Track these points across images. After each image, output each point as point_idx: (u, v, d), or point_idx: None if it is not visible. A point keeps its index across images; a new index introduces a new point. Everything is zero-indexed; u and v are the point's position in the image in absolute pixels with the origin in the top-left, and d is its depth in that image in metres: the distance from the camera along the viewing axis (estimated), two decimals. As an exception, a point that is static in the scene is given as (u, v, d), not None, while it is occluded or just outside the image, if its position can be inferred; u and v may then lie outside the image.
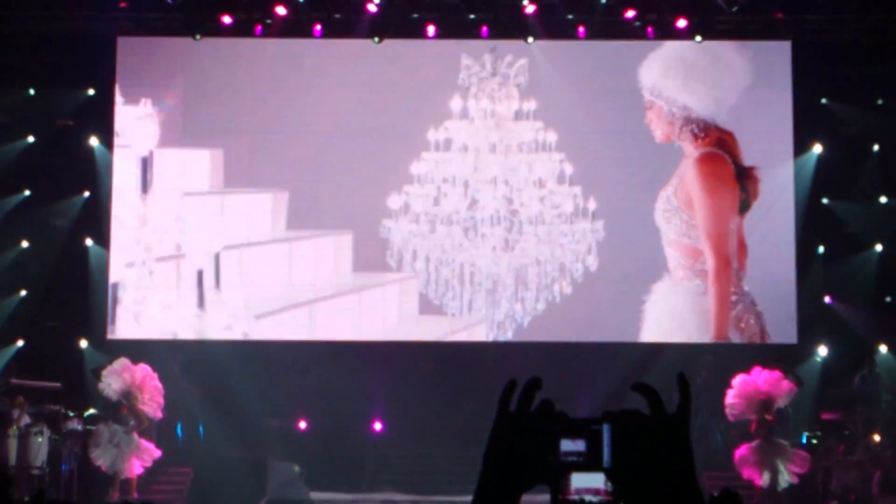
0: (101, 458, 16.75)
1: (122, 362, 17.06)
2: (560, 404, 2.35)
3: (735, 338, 18.26)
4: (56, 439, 17.29)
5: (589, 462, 2.31)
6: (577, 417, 2.34)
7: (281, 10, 17.70)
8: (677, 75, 18.37)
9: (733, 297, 18.29)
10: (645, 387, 2.33)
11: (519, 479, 2.33)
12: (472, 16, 18.03)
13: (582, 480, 2.35)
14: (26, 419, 17.07)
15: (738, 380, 16.71)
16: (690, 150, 18.45)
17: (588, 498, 2.35)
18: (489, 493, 2.33)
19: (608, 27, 18.35)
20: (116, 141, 18.74)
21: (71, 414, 17.79)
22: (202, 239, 18.60)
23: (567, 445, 2.32)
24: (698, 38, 18.01)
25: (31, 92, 19.24)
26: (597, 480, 2.34)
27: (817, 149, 19.01)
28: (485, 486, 2.34)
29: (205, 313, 18.56)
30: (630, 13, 17.80)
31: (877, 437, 17.50)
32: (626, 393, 2.46)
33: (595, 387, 17.46)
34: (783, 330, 18.47)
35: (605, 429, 2.31)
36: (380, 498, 18.05)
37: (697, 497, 2.27)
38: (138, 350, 17.75)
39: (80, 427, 17.59)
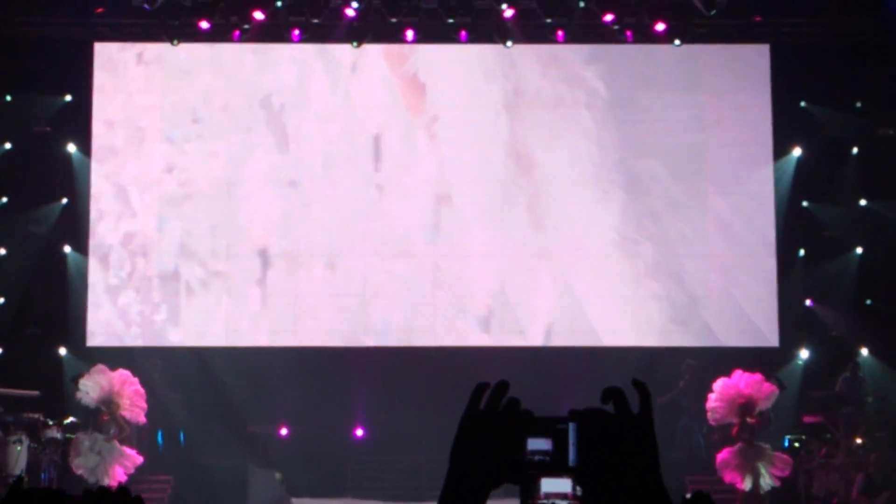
0: (82, 467, 16.65)
1: (99, 369, 16.94)
2: (542, 409, 2.34)
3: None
4: (35, 448, 17.18)
5: (555, 461, 2.30)
6: (543, 416, 2.33)
7: (259, 15, 17.66)
8: None
9: None
10: (610, 389, 2.32)
11: (486, 477, 2.32)
12: (450, 20, 18.01)
13: (551, 485, 2.33)
14: None
15: (719, 383, 16.70)
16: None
17: (557, 502, 2.33)
18: (456, 492, 2.32)
19: (587, 31, 18.37)
20: (94, 146, 18.72)
21: (50, 422, 17.67)
22: (183, 243, 18.56)
23: (533, 444, 2.32)
24: (677, 41, 18.02)
25: (8, 98, 19.16)
26: (565, 485, 2.33)
27: (797, 152, 19.06)
28: (452, 484, 2.33)
29: (185, 319, 18.51)
30: (609, 17, 17.80)
31: (858, 440, 17.51)
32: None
33: (579, 391, 17.44)
34: (765, 333, 18.51)
35: (571, 428, 2.30)
36: (361, 504, 18.04)
37: (663, 496, 2.26)
38: (118, 357, 17.68)
39: (59, 435, 17.46)
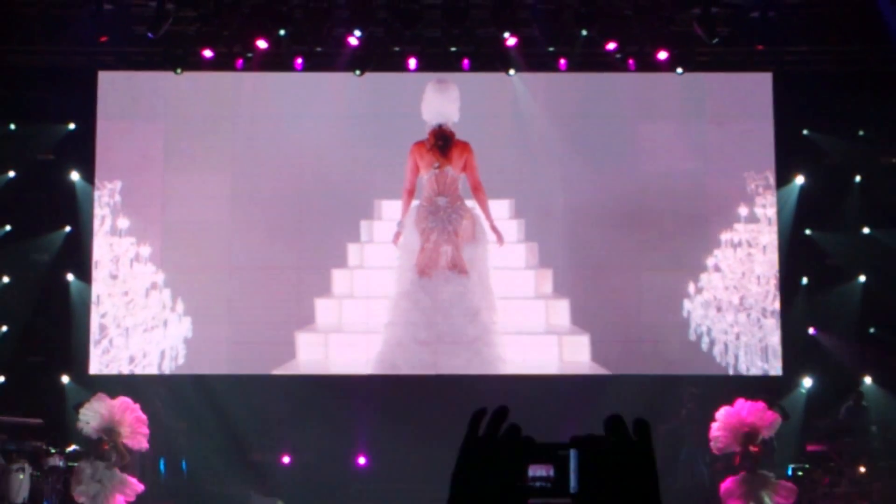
0: (83, 496, 16.63)
1: (99, 397, 16.93)
2: (544, 436, 2.35)
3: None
4: (37, 476, 17.17)
5: (556, 487, 2.30)
6: (544, 443, 2.33)
7: (262, 44, 17.69)
8: None
9: None
10: (611, 418, 2.34)
11: (486, 503, 2.31)
12: (453, 48, 18.06)
13: None
14: None
15: (721, 412, 16.67)
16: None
17: None
18: (457, 519, 2.31)
19: (589, 59, 18.42)
20: (98, 174, 18.76)
21: (53, 450, 17.68)
22: (184, 270, 18.58)
23: (535, 471, 2.32)
24: (679, 70, 18.06)
25: (12, 126, 19.20)
26: None
27: (799, 180, 19.06)
28: (453, 511, 2.31)
29: (188, 347, 18.50)
30: (611, 45, 17.83)
31: (862, 469, 17.48)
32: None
33: (579, 419, 17.43)
34: (768, 362, 18.48)
35: (572, 454, 2.30)
36: (364, 532, 18.00)
37: (663, 523, 2.26)
38: (121, 385, 17.67)
39: (61, 464, 17.47)
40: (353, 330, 18.61)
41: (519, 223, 18.70)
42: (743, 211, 18.66)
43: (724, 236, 18.64)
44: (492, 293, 18.36)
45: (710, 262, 18.61)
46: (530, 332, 18.54)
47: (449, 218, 18.20)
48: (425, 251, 18.19)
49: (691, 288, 18.53)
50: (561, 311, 18.62)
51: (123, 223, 18.71)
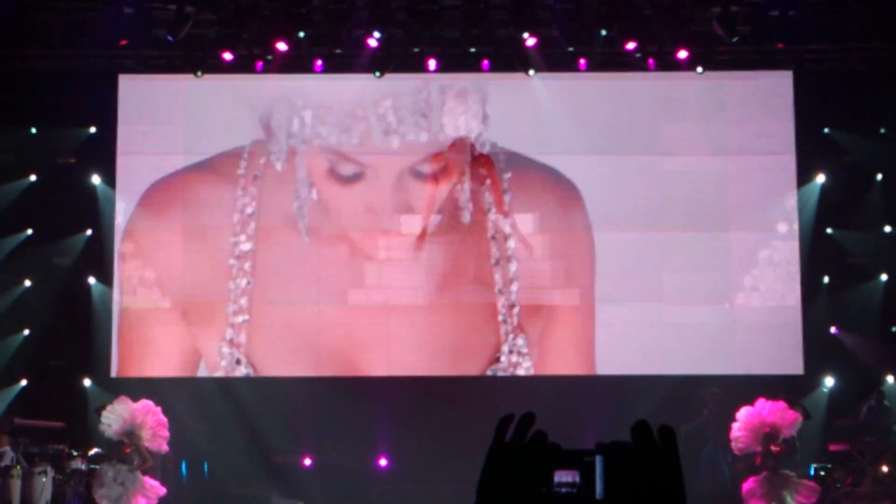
0: (105, 498, 16.68)
1: (122, 401, 17.00)
2: (567, 438, 2.35)
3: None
4: (60, 479, 17.25)
5: (582, 493, 2.30)
6: (570, 449, 2.33)
7: (282, 46, 17.71)
8: None
9: None
10: (638, 424, 2.34)
11: None
12: (472, 49, 18.06)
13: None
14: (11, 457, 17.00)
15: (742, 412, 16.64)
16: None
17: None
18: (483, 525, 2.31)
19: (609, 59, 18.40)
20: (119, 177, 18.81)
21: (75, 453, 17.75)
22: (207, 273, 18.61)
23: (560, 477, 2.32)
24: (699, 69, 18.03)
25: (33, 130, 19.25)
26: None
27: (821, 179, 19.00)
28: (478, 517, 2.31)
29: (209, 350, 18.54)
30: (631, 45, 17.80)
31: (885, 469, 17.42)
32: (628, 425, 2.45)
33: (602, 420, 17.43)
34: (790, 361, 18.43)
35: (598, 460, 2.30)
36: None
37: (689, 528, 2.25)
38: (142, 388, 17.73)
39: (84, 467, 17.55)
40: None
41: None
42: (764, 210, 18.61)
43: (746, 236, 18.59)
44: None
45: (730, 261, 18.57)
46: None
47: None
48: None
49: (712, 287, 18.49)
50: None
51: (144, 227, 18.74)
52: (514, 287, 18.46)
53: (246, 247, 18.60)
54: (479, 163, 18.60)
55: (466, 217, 18.51)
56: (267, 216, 18.72)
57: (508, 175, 18.64)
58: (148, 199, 18.77)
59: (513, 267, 18.48)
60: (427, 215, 18.54)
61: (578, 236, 18.66)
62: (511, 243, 18.49)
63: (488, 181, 18.59)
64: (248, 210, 18.65)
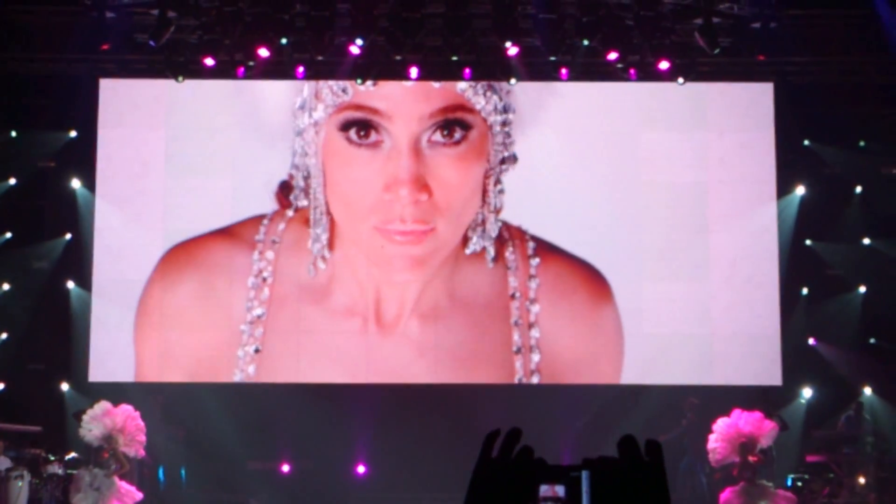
0: (81, 503, 16.62)
1: (103, 406, 16.93)
2: (545, 447, 2.36)
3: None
4: (37, 483, 17.17)
5: None
6: (556, 464, 2.33)
7: (263, 52, 17.69)
8: None
9: None
10: (624, 439, 2.35)
11: None
12: (454, 57, 18.07)
13: None
14: (3, 462, 16.95)
15: (719, 423, 16.66)
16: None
17: None
18: (471, 540, 2.32)
19: (590, 69, 18.44)
20: (99, 181, 18.76)
21: (52, 458, 17.67)
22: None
23: (546, 491, 2.32)
24: (680, 80, 18.06)
25: (13, 134, 19.20)
26: None
27: (800, 190, 19.05)
28: (467, 532, 2.33)
29: (187, 356, 18.50)
30: (612, 55, 17.84)
31: (862, 480, 17.46)
32: (612, 436, 2.47)
33: (579, 430, 17.47)
34: (768, 372, 18.47)
35: (584, 475, 2.30)
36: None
37: (674, 543, 2.26)
38: (120, 393, 17.66)
39: (60, 471, 17.47)
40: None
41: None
42: (743, 221, 18.65)
43: (725, 246, 18.63)
44: None
45: (709, 271, 18.61)
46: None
47: None
48: None
49: (691, 298, 18.53)
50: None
51: (124, 230, 18.70)
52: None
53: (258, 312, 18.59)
54: None
55: None
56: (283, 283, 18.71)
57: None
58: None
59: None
60: None
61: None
62: None
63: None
64: (265, 275, 18.61)
